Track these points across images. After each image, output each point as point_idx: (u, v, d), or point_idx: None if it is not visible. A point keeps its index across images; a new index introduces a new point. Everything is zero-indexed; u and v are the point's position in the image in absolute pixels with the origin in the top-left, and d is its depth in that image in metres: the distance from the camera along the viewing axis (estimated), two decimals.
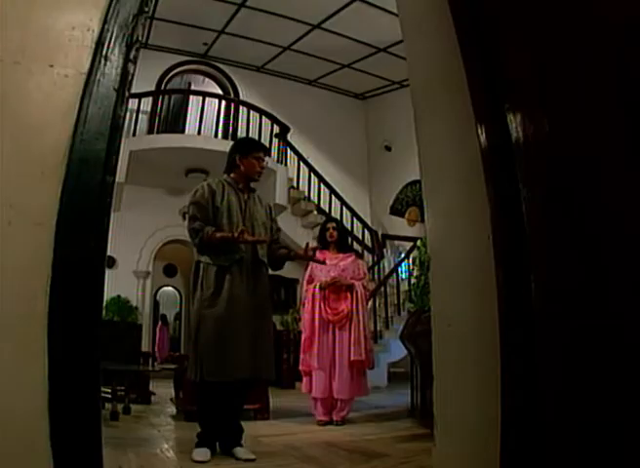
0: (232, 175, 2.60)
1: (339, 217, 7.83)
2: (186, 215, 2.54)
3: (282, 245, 2.73)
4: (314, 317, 3.49)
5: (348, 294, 3.54)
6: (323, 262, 3.17)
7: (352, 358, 3.38)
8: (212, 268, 2.41)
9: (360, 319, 3.48)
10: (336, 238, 3.70)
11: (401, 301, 6.83)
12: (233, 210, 2.49)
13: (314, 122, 9.21)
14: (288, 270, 7.55)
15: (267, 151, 2.71)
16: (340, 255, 3.67)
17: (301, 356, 3.54)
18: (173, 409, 3.87)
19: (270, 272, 2.68)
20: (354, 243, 8.02)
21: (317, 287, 3.56)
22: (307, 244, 2.62)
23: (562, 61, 0.97)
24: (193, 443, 2.29)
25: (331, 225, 3.77)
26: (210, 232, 2.39)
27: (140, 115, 7.23)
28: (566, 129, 0.95)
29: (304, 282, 3.74)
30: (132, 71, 1.38)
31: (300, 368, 3.55)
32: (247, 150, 2.60)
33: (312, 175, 8.35)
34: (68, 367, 1.16)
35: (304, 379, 3.54)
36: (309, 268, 3.74)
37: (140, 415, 3.61)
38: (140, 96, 7.07)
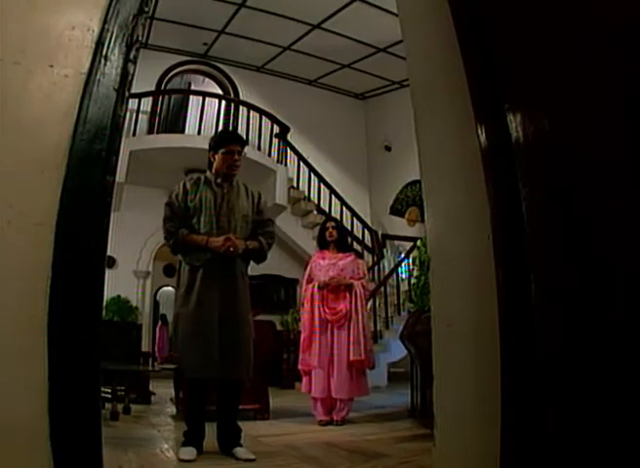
0: (212, 170, 2.58)
1: (338, 217, 7.83)
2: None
3: (264, 236, 2.57)
4: (313, 316, 3.49)
5: (347, 294, 3.53)
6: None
7: (351, 358, 3.37)
8: (186, 267, 2.45)
9: (359, 318, 3.47)
10: (335, 237, 3.69)
11: (401, 301, 6.83)
12: (206, 207, 2.47)
13: (314, 122, 9.21)
14: (288, 270, 7.58)
15: (239, 141, 2.58)
16: (340, 255, 3.66)
17: (301, 355, 3.53)
18: (173, 409, 3.87)
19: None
20: (354, 243, 8.03)
21: (316, 286, 3.56)
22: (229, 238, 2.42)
23: (562, 61, 0.97)
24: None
25: (330, 224, 3.76)
26: (183, 235, 2.42)
27: (140, 115, 7.23)
28: (566, 129, 0.95)
29: (304, 281, 3.74)
30: (132, 71, 1.38)
31: (300, 367, 3.55)
32: (216, 146, 2.56)
33: (312, 175, 8.35)
34: (68, 367, 1.16)
35: (304, 379, 3.54)
36: (309, 268, 3.74)
37: (140, 415, 3.61)
38: (140, 96, 7.07)
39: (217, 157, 2.54)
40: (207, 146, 2.61)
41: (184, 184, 2.54)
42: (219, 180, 2.55)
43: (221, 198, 2.51)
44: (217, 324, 2.34)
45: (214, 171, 2.57)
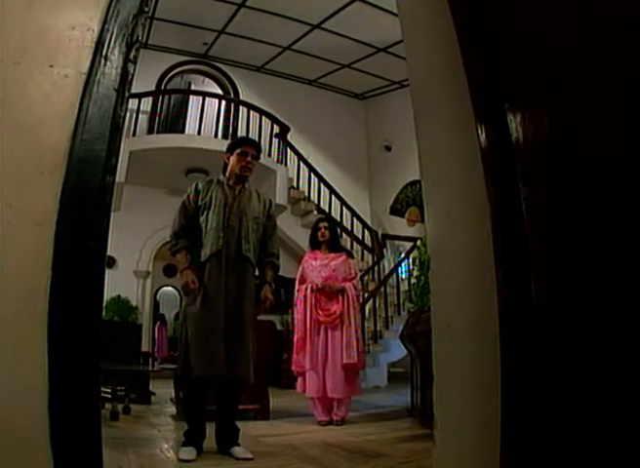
0: (226, 173, 2.67)
1: (339, 217, 7.85)
2: None
3: (271, 257, 2.67)
4: (306, 318, 3.49)
5: (340, 296, 3.54)
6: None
7: (345, 361, 3.37)
8: (193, 266, 2.47)
9: (352, 320, 3.48)
10: (327, 237, 3.68)
11: (401, 301, 6.83)
12: (216, 205, 2.52)
13: (314, 122, 9.22)
14: (288, 270, 7.58)
15: (255, 146, 2.72)
16: (332, 255, 3.65)
17: (294, 356, 3.53)
18: (173, 409, 3.87)
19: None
20: (354, 243, 8.03)
21: (309, 288, 3.55)
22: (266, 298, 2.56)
23: (562, 61, 0.97)
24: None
25: (323, 225, 3.75)
26: (176, 248, 2.50)
27: (140, 115, 7.23)
28: (566, 129, 0.95)
29: (296, 282, 3.72)
30: (132, 71, 1.38)
31: (293, 368, 3.55)
32: (232, 148, 2.68)
33: (312, 175, 8.35)
34: (68, 367, 1.16)
35: (299, 380, 3.55)
36: (301, 268, 3.73)
37: (140, 415, 3.61)
38: (140, 96, 7.08)
39: (232, 158, 2.63)
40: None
41: (197, 185, 2.63)
42: (230, 182, 2.62)
43: (232, 199, 2.57)
44: (222, 322, 2.36)
45: (228, 173, 2.66)
